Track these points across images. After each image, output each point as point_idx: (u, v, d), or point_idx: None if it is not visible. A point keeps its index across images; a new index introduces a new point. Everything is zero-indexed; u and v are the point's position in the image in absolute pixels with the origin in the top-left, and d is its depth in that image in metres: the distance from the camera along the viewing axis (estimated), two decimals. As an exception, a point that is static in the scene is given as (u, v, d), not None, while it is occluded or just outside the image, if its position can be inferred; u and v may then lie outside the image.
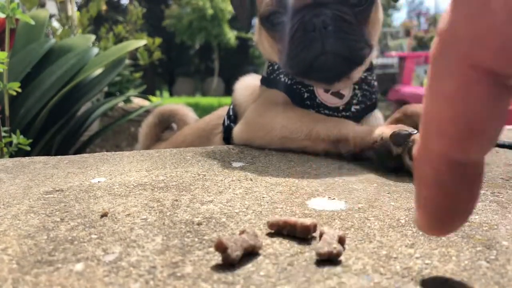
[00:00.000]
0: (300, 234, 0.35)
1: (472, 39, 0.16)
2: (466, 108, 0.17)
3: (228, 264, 0.30)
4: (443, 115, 0.18)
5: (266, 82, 0.85)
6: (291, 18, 0.72)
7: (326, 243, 0.31)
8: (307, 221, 0.35)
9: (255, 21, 0.85)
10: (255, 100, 0.86)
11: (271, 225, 0.36)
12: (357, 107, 0.81)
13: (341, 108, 0.79)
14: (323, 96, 0.79)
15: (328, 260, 0.31)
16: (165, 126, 1.30)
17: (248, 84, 0.94)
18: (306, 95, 0.79)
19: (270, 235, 0.36)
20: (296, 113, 0.74)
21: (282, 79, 0.82)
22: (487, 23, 0.15)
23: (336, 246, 0.31)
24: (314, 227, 0.35)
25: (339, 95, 0.79)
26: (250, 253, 0.32)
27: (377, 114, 0.86)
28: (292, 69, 0.76)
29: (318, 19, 0.68)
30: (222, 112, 1.05)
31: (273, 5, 0.74)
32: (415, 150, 0.20)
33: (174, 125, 1.31)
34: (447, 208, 0.20)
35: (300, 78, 0.79)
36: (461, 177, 0.19)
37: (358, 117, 0.81)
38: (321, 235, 0.33)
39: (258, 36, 0.85)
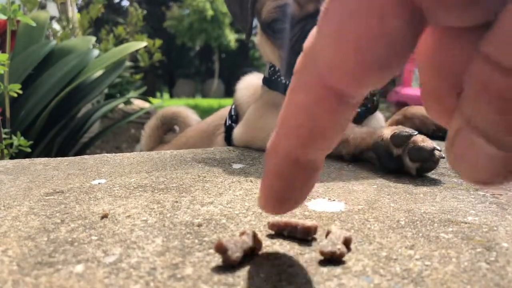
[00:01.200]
0: (300, 236, 0.35)
1: (327, 62, 0.19)
2: (312, 119, 0.21)
3: (229, 266, 0.30)
4: (293, 121, 0.21)
5: (268, 82, 0.85)
6: (293, 27, 0.73)
7: (330, 243, 0.32)
8: (308, 222, 0.35)
9: (256, 24, 0.85)
10: (256, 100, 0.87)
11: (271, 225, 0.36)
12: (358, 109, 0.81)
13: None
14: None
15: (331, 260, 0.31)
16: (168, 128, 1.31)
17: (249, 84, 0.95)
18: None
19: (270, 236, 0.36)
20: None
21: (283, 81, 0.82)
22: (340, 50, 0.18)
23: (340, 247, 0.31)
24: (315, 229, 0.35)
25: None
26: (251, 255, 0.32)
27: (378, 116, 0.86)
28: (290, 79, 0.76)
29: None
30: (224, 112, 1.06)
31: (275, 13, 0.74)
32: (268, 144, 0.23)
33: (177, 127, 1.31)
34: (283, 195, 0.24)
35: None
36: (299, 172, 0.23)
37: (358, 120, 0.81)
38: (327, 234, 0.33)
39: (259, 40, 0.85)
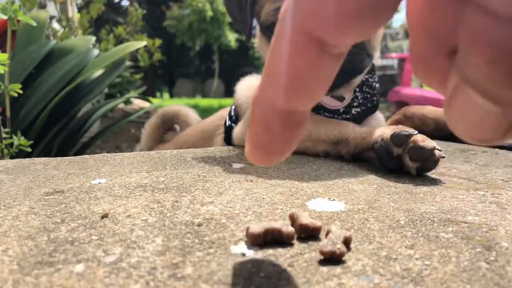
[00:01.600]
0: (286, 240, 0.34)
1: (307, 8, 0.19)
2: (294, 67, 0.20)
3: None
4: (275, 69, 0.21)
5: None
6: None
7: (330, 242, 0.32)
8: (289, 227, 0.35)
9: (256, 25, 0.85)
10: None
11: (251, 236, 0.34)
12: (358, 109, 0.81)
13: (341, 110, 0.80)
14: (324, 99, 0.79)
15: (331, 259, 0.31)
16: (168, 127, 1.31)
17: (249, 85, 0.95)
18: None
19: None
20: None
21: None
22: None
23: (340, 247, 0.31)
24: (292, 235, 0.35)
25: (340, 98, 0.80)
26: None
27: (378, 116, 0.86)
28: None
29: None
30: (224, 112, 1.06)
31: (274, 15, 0.73)
32: (255, 92, 0.23)
33: (177, 127, 1.31)
34: (268, 145, 0.24)
35: None
36: (284, 122, 0.22)
37: (358, 119, 0.81)
38: (327, 233, 0.33)
39: (259, 41, 0.85)
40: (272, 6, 0.73)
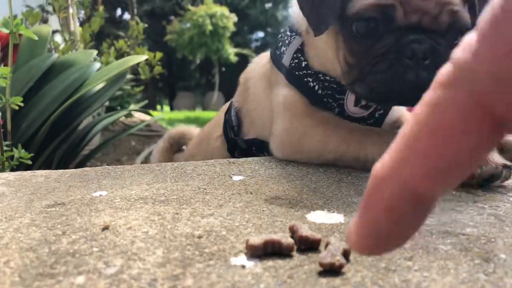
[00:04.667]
0: (286, 251, 0.35)
1: (493, 80, 0.16)
2: (449, 144, 0.17)
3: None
4: (422, 144, 0.18)
5: (290, 75, 0.78)
6: (386, 34, 0.63)
7: (329, 254, 0.32)
8: (288, 238, 0.35)
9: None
10: (265, 79, 0.83)
11: (250, 247, 0.35)
12: (380, 111, 0.78)
13: (366, 116, 0.77)
14: (352, 109, 0.76)
15: (330, 271, 0.31)
16: (177, 149, 1.30)
17: (259, 65, 0.90)
18: (336, 110, 0.75)
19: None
20: (339, 132, 0.70)
21: (312, 85, 0.75)
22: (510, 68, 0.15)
23: (339, 258, 0.31)
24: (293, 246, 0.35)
25: (367, 107, 0.76)
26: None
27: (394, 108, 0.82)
28: (363, 92, 0.67)
29: (420, 46, 0.61)
30: (217, 118, 1.06)
31: (373, 11, 0.62)
32: (378, 169, 0.19)
33: (185, 148, 1.31)
34: (387, 232, 0.19)
35: (365, 100, 0.72)
36: (413, 209, 0.19)
37: (379, 121, 0.79)
38: (326, 245, 0.34)
39: (319, 39, 0.72)
40: (373, 0, 0.62)
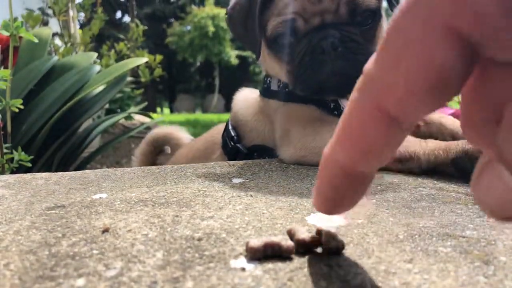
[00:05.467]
0: (286, 253, 0.35)
1: (381, 86, 0.20)
2: (365, 136, 0.22)
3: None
4: (347, 136, 0.23)
5: (282, 96, 0.85)
6: (299, 41, 0.73)
7: (331, 238, 0.34)
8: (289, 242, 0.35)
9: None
10: (262, 116, 0.87)
11: (250, 249, 0.35)
12: None
13: None
14: (345, 103, 0.80)
15: (336, 253, 0.34)
16: (159, 151, 1.28)
17: (245, 96, 0.96)
18: (332, 105, 0.81)
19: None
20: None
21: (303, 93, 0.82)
22: (393, 77, 0.19)
23: (340, 240, 0.35)
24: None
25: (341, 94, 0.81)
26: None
27: None
28: (303, 91, 0.77)
29: (326, 41, 0.69)
30: (215, 131, 1.06)
31: (281, 28, 0.74)
32: (326, 149, 0.25)
33: (167, 148, 1.28)
34: (335, 201, 0.26)
35: (311, 96, 0.80)
36: (350, 182, 0.25)
37: None
38: (318, 232, 0.36)
39: (263, 56, 0.85)
40: (278, 19, 0.74)
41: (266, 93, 0.89)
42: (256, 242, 0.35)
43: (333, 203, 0.26)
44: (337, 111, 0.80)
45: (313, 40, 0.71)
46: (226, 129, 0.97)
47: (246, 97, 0.97)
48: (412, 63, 0.18)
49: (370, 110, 0.21)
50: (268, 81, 0.88)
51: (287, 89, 0.84)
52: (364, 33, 0.73)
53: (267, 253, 0.34)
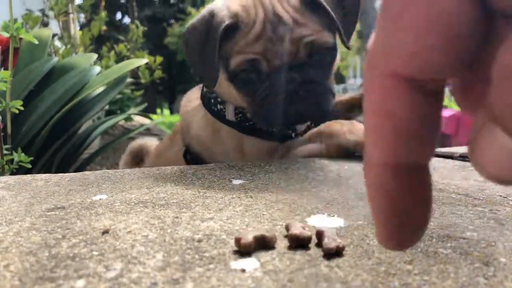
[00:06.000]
0: (269, 244, 0.37)
1: (388, 50, 0.18)
2: (390, 116, 0.18)
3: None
4: (373, 124, 0.19)
5: (239, 128, 0.91)
6: (263, 81, 0.77)
7: (331, 240, 0.35)
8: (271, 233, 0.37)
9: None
10: (210, 132, 0.96)
11: (239, 243, 0.36)
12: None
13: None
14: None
15: (336, 254, 0.35)
16: (139, 160, 1.34)
17: (189, 98, 1.04)
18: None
19: (269, 251, 0.36)
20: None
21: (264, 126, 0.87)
22: (399, 35, 0.17)
23: (340, 241, 0.35)
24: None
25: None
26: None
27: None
28: (264, 124, 0.84)
29: (289, 85, 0.75)
30: (172, 134, 1.13)
31: (245, 65, 0.77)
32: (364, 165, 0.20)
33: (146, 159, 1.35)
34: (397, 217, 0.20)
35: (270, 128, 0.87)
36: (405, 183, 0.19)
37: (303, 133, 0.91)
38: (319, 234, 0.37)
39: (224, 85, 0.86)
40: (241, 57, 0.77)
41: (220, 117, 0.93)
42: (246, 237, 0.36)
43: (399, 224, 0.20)
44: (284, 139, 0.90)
45: (276, 82, 0.76)
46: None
47: (190, 95, 1.05)
48: (417, 17, 0.17)
49: (383, 81, 0.18)
50: (223, 108, 0.92)
51: (245, 122, 0.90)
52: (322, 70, 0.78)
53: (256, 246, 0.36)
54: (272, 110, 0.77)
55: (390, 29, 0.18)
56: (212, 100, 0.93)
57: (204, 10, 0.83)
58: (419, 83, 0.18)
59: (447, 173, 0.70)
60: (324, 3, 0.75)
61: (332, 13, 0.75)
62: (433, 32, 0.17)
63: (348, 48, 0.82)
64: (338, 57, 0.84)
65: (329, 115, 0.82)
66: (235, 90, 0.84)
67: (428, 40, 0.17)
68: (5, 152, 0.90)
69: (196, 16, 0.84)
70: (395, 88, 0.18)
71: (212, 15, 0.79)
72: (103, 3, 2.61)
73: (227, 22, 0.77)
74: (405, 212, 0.20)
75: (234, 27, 0.77)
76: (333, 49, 0.79)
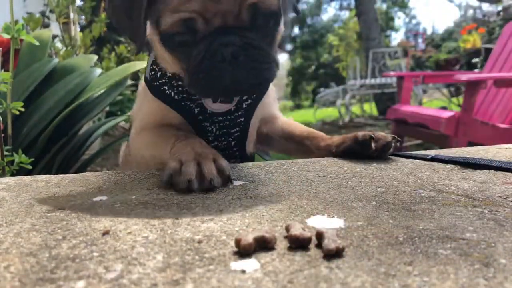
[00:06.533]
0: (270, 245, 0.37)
1: None
2: None
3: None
4: None
5: (151, 88, 0.83)
6: (199, 42, 0.68)
7: (331, 240, 0.35)
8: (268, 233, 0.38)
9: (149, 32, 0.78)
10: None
11: (240, 244, 0.36)
12: (248, 101, 0.82)
13: (232, 109, 0.80)
14: (213, 106, 0.80)
15: (336, 255, 0.35)
16: None
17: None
18: (196, 110, 0.80)
19: (270, 253, 0.36)
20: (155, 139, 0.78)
21: (168, 92, 0.80)
22: None
23: (340, 242, 0.35)
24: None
25: (230, 100, 0.80)
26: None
27: (267, 99, 0.87)
28: (200, 94, 0.75)
29: (227, 49, 0.65)
30: None
31: (178, 27, 0.67)
32: None
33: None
34: None
35: (205, 97, 0.78)
36: None
37: (251, 112, 0.83)
38: (320, 234, 0.37)
39: (158, 49, 0.78)
40: (175, 16, 0.67)
41: (145, 80, 0.86)
42: (247, 238, 0.36)
43: None
44: (201, 116, 0.80)
45: (213, 44, 0.66)
46: None
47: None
48: None
49: None
50: (156, 70, 0.83)
51: (156, 83, 0.82)
52: (265, 36, 0.70)
53: (256, 247, 0.36)
54: (208, 77, 0.67)
55: None
56: (152, 73, 0.83)
57: None
58: None
59: (447, 174, 0.70)
60: None
61: None
62: None
63: (286, 19, 0.74)
64: (282, 25, 0.75)
65: (268, 85, 0.77)
66: (169, 54, 0.74)
67: None
68: (5, 153, 0.90)
69: None
70: None
71: None
72: (103, 5, 2.61)
73: None
74: None
75: None
76: (277, 14, 0.71)
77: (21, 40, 1.00)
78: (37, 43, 0.99)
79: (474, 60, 4.52)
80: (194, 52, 0.68)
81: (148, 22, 0.74)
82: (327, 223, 0.44)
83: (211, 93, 0.73)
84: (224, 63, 0.66)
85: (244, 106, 0.81)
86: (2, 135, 0.91)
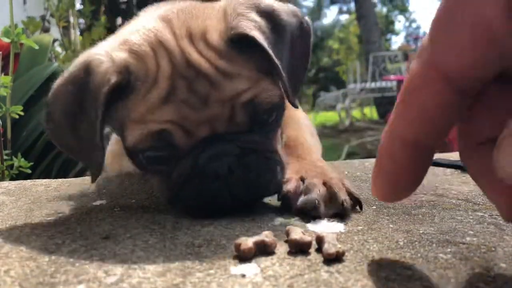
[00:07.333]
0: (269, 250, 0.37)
1: (436, 47, 0.22)
2: (426, 102, 0.23)
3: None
4: (409, 106, 0.24)
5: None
6: (180, 158, 0.50)
7: (331, 245, 0.35)
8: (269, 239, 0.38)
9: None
10: None
11: (239, 249, 0.36)
12: None
13: None
14: None
15: (336, 259, 0.35)
16: None
17: None
18: None
19: (270, 257, 0.36)
20: None
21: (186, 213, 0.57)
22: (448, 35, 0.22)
23: (340, 246, 0.35)
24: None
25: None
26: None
27: None
28: (186, 214, 0.50)
29: (220, 163, 0.48)
30: None
31: (149, 142, 0.49)
32: (385, 128, 0.25)
33: None
34: (395, 178, 0.26)
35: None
36: (409, 155, 0.25)
37: None
38: (320, 239, 0.37)
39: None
40: (142, 130, 0.49)
41: None
42: (247, 242, 0.36)
43: (392, 181, 0.26)
44: None
45: (201, 159, 0.49)
46: None
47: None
48: (463, 19, 0.20)
49: (426, 71, 0.23)
50: None
51: None
52: (268, 132, 0.54)
53: (257, 251, 0.36)
54: (198, 198, 0.49)
55: (442, 29, 0.22)
56: None
57: (77, 62, 0.53)
58: (454, 82, 0.22)
59: (447, 178, 0.70)
60: (259, 39, 0.49)
61: (271, 52, 0.49)
62: (470, 37, 0.21)
63: (294, 105, 0.55)
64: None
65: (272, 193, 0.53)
66: (139, 170, 0.58)
67: (467, 44, 0.21)
68: (5, 157, 0.90)
69: (68, 70, 0.54)
70: (435, 83, 0.22)
71: (87, 71, 0.50)
72: (103, 9, 2.62)
73: (112, 80, 0.48)
74: (400, 176, 0.26)
75: (125, 85, 0.49)
76: (280, 105, 0.54)
77: (21, 44, 1.00)
78: (37, 47, 0.99)
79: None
80: (175, 170, 0.51)
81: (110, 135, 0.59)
82: (327, 227, 0.44)
83: (200, 215, 0.49)
84: (217, 181, 0.49)
85: None
86: (2, 139, 0.91)
